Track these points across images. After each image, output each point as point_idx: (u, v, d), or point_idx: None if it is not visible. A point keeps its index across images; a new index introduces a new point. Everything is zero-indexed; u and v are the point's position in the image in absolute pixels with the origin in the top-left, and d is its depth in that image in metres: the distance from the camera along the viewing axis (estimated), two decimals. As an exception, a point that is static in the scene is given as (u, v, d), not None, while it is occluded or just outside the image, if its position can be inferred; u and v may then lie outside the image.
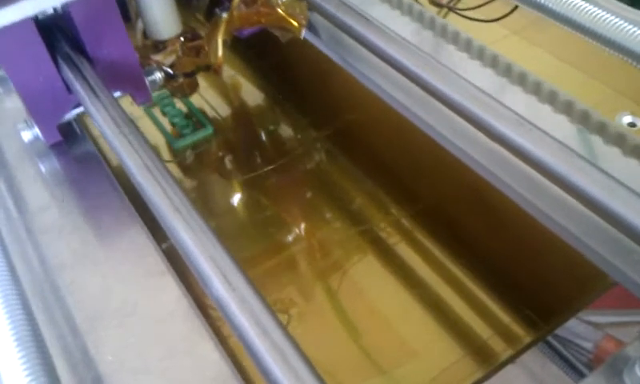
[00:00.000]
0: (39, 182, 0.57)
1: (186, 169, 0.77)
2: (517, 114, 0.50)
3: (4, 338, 0.37)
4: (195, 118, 0.80)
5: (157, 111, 0.82)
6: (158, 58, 0.68)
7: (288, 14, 0.69)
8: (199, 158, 0.78)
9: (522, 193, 0.51)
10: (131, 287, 0.45)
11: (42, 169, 0.58)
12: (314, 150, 0.77)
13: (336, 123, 0.79)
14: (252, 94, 0.87)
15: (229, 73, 0.89)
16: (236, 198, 0.74)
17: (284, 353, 0.33)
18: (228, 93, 0.87)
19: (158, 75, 0.65)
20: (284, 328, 0.34)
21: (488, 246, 0.62)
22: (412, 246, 0.65)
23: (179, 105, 0.82)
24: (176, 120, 0.80)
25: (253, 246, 0.67)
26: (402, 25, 0.66)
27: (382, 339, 0.59)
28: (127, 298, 0.45)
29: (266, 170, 0.75)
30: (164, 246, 0.47)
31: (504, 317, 0.57)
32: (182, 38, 0.70)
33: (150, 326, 0.42)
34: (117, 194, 0.53)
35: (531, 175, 0.50)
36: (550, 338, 0.91)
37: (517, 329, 0.57)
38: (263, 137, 0.82)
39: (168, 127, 0.80)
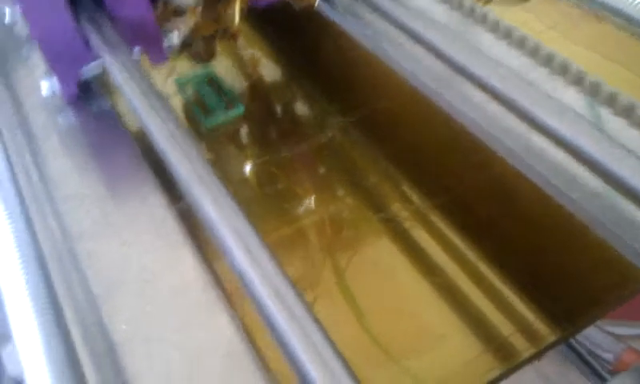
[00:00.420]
0: (56, 141, 0.55)
1: (201, 138, 0.75)
2: (557, 101, 0.47)
3: (22, 304, 0.36)
4: (227, 98, 0.80)
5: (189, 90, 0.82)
6: (177, 23, 0.67)
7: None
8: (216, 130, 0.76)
9: (557, 184, 0.49)
10: (149, 256, 0.43)
11: (60, 127, 0.57)
12: (333, 131, 0.75)
13: (357, 104, 0.76)
14: (272, 71, 0.85)
15: (249, 50, 0.87)
16: (250, 173, 0.72)
17: (307, 331, 0.31)
18: (247, 70, 0.85)
19: (175, 36, 0.63)
20: (307, 306, 0.32)
21: (514, 239, 0.60)
22: (432, 233, 0.62)
23: (211, 85, 0.82)
24: (208, 99, 0.79)
25: (263, 220, 0.65)
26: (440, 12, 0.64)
27: (394, 327, 0.56)
28: (145, 267, 0.43)
29: (283, 147, 0.73)
30: (181, 211, 0.45)
31: (528, 314, 0.55)
32: (201, 6, 0.68)
33: (166, 296, 0.40)
34: (135, 157, 0.51)
35: (568, 166, 0.48)
36: (571, 343, 0.89)
37: (540, 327, 0.54)
38: (282, 115, 0.80)
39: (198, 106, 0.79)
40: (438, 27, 0.55)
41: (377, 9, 0.60)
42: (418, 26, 0.55)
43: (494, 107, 0.54)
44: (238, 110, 0.78)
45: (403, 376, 0.53)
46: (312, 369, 0.29)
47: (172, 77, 0.83)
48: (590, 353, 0.89)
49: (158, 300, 0.40)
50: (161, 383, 0.37)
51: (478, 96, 0.55)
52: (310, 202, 0.66)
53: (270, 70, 0.85)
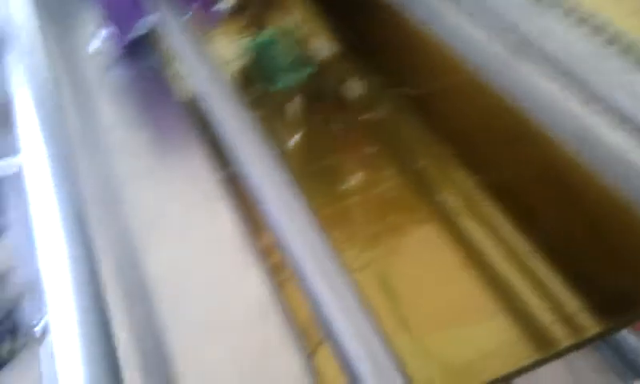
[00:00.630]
0: (105, 93, 0.55)
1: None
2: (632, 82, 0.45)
3: (56, 243, 0.36)
4: (296, 59, 0.78)
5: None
6: None
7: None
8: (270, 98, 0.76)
9: (616, 173, 0.46)
10: (188, 208, 0.43)
11: (110, 81, 0.57)
12: (385, 109, 0.73)
13: (411, 83, 0.74)
14: (326, 47, 0.83)
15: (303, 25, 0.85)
16: (298, 146, 0.71)
17: (356, 323, 0.30)
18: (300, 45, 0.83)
19: (226, 3, 0.64)
20: (346, 272, 0.32)
21: (562, 227, 0.57)
22: (477, 217, 0.61)
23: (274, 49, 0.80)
24: (271, 62, 0.77)
25: (307, 196, 0.64)
26: None
27: (432, 307, 0.56)
28: (183, 216, 0.43)
29: (333, 123, 0.71)
30: (227, 178, 0.45)
31: (571, 304, 0.53)
32: None
33: (201, 246, 0.41)
34: (181, 115, 0.51)
35: (628, 154, 0.46)
36: (607, 341, 0.86)
37: (583, 319, 0.53)
38: (333, 89, 0.78)
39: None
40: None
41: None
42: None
43: (553, 90, 0.52)
44: (307, 70, 0.77)
45: (437, 351, 0.52)
46: (361, 365, 0.29)
47: (236, 40, 0.82)
48: (624, 354, 0.86)
49: (191, 247, 0.40)
50: (189, 324, 0.37)
51: (537, 78, 0.53)
52: (357, 180, 0.65)
53: (323, 46, 0.83)
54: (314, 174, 0.66)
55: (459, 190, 0.63)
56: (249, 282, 0.40)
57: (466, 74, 0.60)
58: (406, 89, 0.73)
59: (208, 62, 0.43)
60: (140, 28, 0.58)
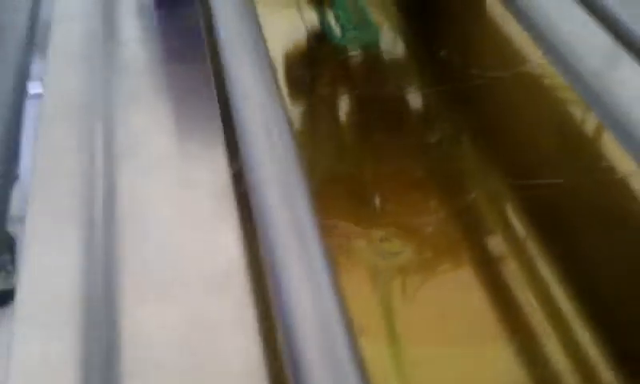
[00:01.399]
0: (138, 44, 0.51)
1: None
2: None
3: None
4: (362, 20, 0.75)
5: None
6: None
7: None
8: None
9: None
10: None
11: (145, 31, 0.52)
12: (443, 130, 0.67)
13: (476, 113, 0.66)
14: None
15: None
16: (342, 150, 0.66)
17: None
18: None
19: None
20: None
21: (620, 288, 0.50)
22: (527, 269, 0.53)
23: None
24: (343, 16, 0.74)
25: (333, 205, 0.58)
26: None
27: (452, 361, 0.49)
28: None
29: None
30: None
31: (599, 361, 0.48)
32: None
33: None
34: (209, 91, 0.46)
35: None
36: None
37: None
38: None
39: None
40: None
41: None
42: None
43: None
44: (372, 33, 0.74)
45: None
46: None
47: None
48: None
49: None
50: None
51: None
52: (399, 206, 0.58)
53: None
54: (344, 189, 0.59)
55: (508, 232, 0.56)
56: (221, 250, 0.36)
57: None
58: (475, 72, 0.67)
59: (247, 29, 0.37)
60: None
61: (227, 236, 0.36)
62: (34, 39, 0.55)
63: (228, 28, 0.35)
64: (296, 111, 0.66)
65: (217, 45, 0.36)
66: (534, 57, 0.63)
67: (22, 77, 0.51)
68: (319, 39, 0.73)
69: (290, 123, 0.30)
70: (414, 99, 0.68)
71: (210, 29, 0.42)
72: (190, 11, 0.54)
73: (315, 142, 0.64)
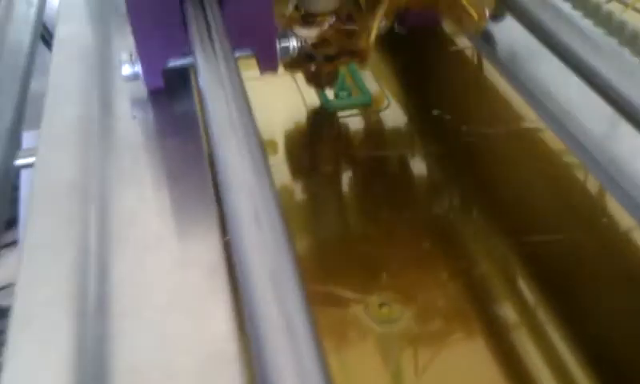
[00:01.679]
0: (128, 130, 0.49)
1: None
2: None
3: None
4: (355, 86, 0.77)
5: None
6: (301, 31, 0.60)
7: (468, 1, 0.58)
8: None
9: None
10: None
11: (135, 114, 0.50)
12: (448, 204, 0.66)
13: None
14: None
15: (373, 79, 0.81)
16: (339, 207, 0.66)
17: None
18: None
19: (293, 43, 0.55)
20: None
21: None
22: (540, 346, 0.50)
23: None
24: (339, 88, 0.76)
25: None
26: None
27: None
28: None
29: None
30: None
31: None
32: (334, 17, 0.61)
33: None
34: (204, 177, 0.44)
35: None
36: None
37: None
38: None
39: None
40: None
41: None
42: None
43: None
44: (364, 98, 0.75)
45: None
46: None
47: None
48: None
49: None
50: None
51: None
52: (396, 274, 0.56)
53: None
54: (345, 258, 0.58)
55: (520, 306, 0.54)
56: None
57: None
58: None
59: (240, 120, 0.36)
60: (178, 61, 0.52)
61: (221, 321, 0.34)
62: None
63: (215, 109, 0.35)
64: (299, 183, 0.66)
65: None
66: (529, 117, 0.63)
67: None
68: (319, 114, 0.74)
69: (278, 202, 0.29)
70: (411, 162, 0.68)
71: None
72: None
73: (316, 212, 0.64)
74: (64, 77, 0.55)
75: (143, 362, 0.32)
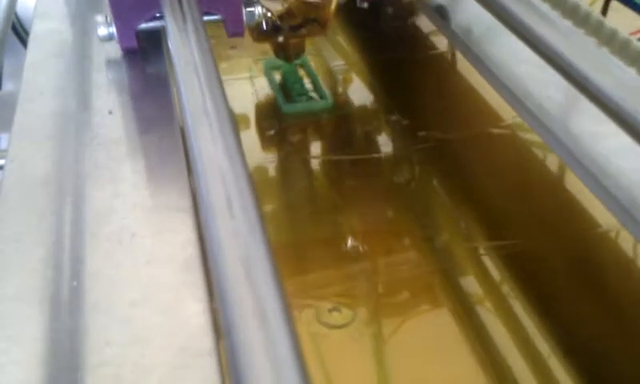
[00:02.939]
0: (101, 89, 0.50)
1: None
2: None
3: None
4: (313, 88, 0.75)
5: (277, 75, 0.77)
6: (268, 4, 0.62)
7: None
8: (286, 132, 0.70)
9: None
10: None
11: (109, 75, 0.52)
12: (413, 168, 0.67)
13: (449, 140, 0.66)
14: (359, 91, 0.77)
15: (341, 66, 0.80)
16: (306, 186, 0.66)
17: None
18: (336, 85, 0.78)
19: (258, 10, 0.58)
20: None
21: (601, 341, 0.48)
22: (503, 316, 0.51)
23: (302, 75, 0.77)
24: (295, 86, 0.75)
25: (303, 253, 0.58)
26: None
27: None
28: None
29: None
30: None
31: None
32: None
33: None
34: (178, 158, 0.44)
35: None
36: None
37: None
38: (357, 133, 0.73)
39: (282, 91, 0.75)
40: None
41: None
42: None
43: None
44: (323, 103, 0.73)
45: None
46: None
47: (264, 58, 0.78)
48: None
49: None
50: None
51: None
52: (364, 246, 0.57)
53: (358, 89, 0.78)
54: (312, 226, 0.59)
55: (483, 277, 0.54)
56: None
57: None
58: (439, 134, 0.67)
59: (207, 79, 0.36)
60: (150, 22, 0.54)
61: (196, 316, 0.33)
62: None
63: (187, 84, 0.34)
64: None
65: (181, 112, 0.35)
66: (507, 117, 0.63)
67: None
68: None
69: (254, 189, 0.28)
70: (368, 163, 0.68)
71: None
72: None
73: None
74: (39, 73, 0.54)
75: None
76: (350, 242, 0.58)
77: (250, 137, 0.69)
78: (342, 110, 0.73)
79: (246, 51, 0.78)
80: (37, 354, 0.31)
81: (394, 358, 0.48)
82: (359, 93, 0.76)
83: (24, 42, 1.00)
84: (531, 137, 0.58)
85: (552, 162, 0.57)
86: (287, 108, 0.71)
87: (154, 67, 0.53)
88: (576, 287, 0.51)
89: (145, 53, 0.54)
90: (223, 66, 0.78)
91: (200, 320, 0.32)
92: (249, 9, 0.57)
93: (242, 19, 0.56)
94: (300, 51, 0.71)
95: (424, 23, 0.77)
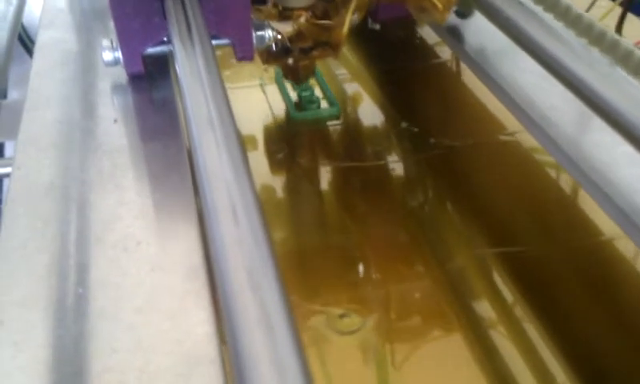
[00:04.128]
0: (107, 120, 0.50)
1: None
2: None
3: None
4: (324, 96, 0.76)
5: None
6: (278, 26, 0.62)
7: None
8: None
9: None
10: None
11: (115, 102, 0.51)
12: (424, 191, 0.66)
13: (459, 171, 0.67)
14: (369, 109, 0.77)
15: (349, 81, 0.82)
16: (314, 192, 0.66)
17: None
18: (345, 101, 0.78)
19: (269, 33, 0.56)
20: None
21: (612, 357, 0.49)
22: (518, 343, 0.50)
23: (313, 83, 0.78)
24: (304, 93, 0.76)
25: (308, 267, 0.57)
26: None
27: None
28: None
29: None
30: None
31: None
32: (310, 12, 0.63)
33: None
34: (183, 166, 0.44)
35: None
36: None
37: None
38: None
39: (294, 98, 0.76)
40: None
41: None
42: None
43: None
44: (332, 111, 0.74)
45: None
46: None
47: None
48: None
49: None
50: None
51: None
52: (373, 271, 0.56)
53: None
54: (322, 249, 0.58)
55: (498, 304, 0.54)
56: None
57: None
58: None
59: (215, 107, 0.36)
60: (157, 47, 0.53)
61: (200, 324, 0.34)
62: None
63: (194, 106, 0.35)
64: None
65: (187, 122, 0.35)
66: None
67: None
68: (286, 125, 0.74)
69: (256, 196, 0.29)
70: (381, 171, 0.68)
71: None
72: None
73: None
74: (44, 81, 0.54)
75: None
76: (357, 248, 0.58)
77: (260, 140, 0.71)
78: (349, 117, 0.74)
79: (257, 59, 0.79)
80: (42, 361, 0.31)
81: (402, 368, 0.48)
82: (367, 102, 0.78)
83: (30, 51, 1.01)
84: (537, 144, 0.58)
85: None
86: (297, 115, 0.73)
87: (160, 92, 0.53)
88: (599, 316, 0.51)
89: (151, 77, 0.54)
90: (231, 73, 0.80)
91: (204, 327, 0.32)
92: (259, 32, 0.56)
93: (251, 43, 0.55)
94: (310, 73, 0.71)
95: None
